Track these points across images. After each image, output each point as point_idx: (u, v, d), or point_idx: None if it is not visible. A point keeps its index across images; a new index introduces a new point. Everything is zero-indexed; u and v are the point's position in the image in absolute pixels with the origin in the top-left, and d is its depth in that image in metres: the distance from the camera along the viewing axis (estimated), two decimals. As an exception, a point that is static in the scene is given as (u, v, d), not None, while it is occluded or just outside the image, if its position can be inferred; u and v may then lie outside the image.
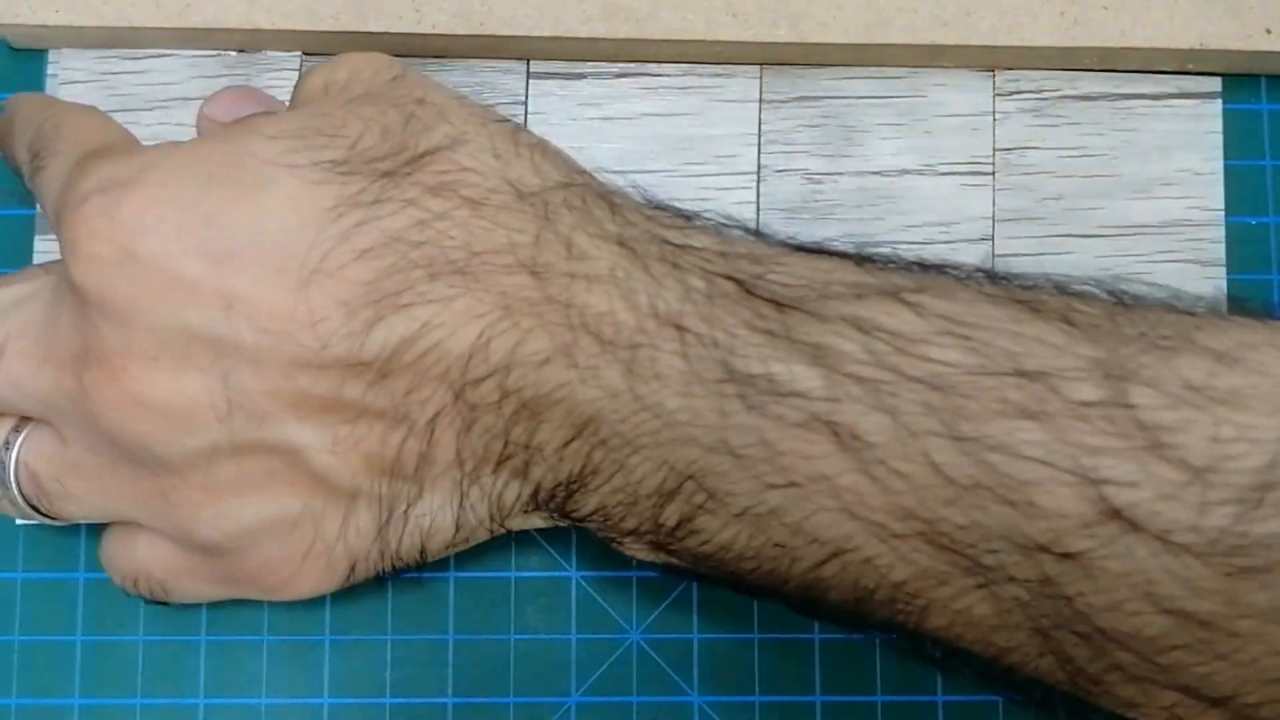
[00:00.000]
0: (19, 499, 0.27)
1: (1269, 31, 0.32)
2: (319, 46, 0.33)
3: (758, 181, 0.33)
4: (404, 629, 0.32)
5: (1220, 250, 0.33)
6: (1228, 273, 0.33)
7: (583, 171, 0.27)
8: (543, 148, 0.27)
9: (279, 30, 0.32)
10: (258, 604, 0.32)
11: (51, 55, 0.34)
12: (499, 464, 0.26)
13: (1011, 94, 0.34)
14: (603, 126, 0.33)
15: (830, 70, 0.34)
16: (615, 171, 0.33)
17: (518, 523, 0.27)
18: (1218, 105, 0.34)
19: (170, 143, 0.27)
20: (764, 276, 0.25)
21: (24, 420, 0.27)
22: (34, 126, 0.29)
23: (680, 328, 0.24)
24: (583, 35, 0.32)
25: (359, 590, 0.32)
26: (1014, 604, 0.24)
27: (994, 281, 0.25)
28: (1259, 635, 0.22)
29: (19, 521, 0.32)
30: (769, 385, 0.24)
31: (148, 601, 0.28)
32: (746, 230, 0.27)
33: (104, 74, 0.33)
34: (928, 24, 0.32)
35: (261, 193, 0.25)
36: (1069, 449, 0.23)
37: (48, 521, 0.28)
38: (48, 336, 0.26)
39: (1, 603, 0.32)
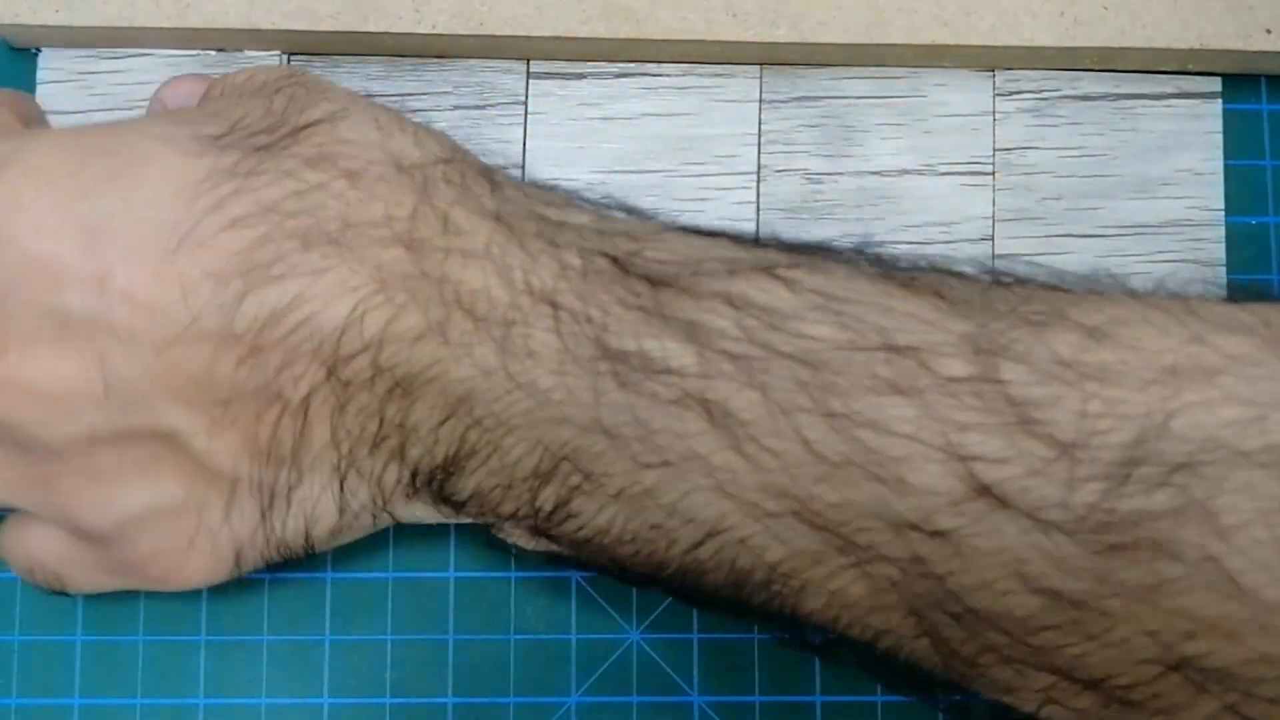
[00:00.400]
0: None
1: (1269, 31, 0.32)
2: (319, 46, 0.33)
3: (758, 181, 0.33)
4: (404, 629, 0.32)
5: (1220, 250, 0.33)
6: (1228, 273, 0.33)
7: (466, 151, 0.27)
8: (427, 127, 0.27)
9: (279, 30, 0.32)
10: (258, 603, 0.32)
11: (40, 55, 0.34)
12: (375, 445, 0.26)
13: (1011, 94, 0.34)
14: (603, 126, 0.33)
15: (830, 70, 0.34)
16: (615, 171, 0.33)
17: (403, 512, 0.27)
18: (1218, 105, 0.34)
19: (54, 128, 0.26)
20: (640, 253, 0.25)
21: None
22: None
23: (554, 305, 0.24)
24: (583, 35, 0.32)
25: (359, 590, 0.32)
26: (887, 583, 0.24)
27: (872, 260, 0.25)
28: (1129, 614, 0.22)
29: None
30: (642, 362, 0.24)
31: (47, 593, 0.28)
32: (626, 209, 0.27)
33: (82, 74, 0.33)
34: (928, 24, 0.32)
35: (138, 166, 0.24)
36: (938, 425, 0.22)
37: None
38: None
39: (1, 603, 0.32)
